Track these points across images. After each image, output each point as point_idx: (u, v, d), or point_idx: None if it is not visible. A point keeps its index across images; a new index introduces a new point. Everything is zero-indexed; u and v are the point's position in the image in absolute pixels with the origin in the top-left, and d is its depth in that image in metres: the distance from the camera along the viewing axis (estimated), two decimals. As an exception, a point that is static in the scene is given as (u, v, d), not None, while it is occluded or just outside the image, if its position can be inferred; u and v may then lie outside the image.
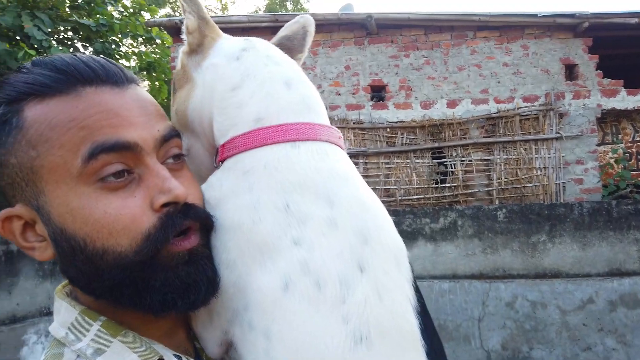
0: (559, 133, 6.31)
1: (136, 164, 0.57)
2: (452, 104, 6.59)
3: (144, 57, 8.61)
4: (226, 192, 0.63)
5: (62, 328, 0.60)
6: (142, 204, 0.56)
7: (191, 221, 0.59)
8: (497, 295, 4.57)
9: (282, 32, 0.81)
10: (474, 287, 4.63)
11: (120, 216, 0.55)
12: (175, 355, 0.61)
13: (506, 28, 6.54)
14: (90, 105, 0.55)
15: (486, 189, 6.43)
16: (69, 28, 7.08)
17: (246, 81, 0.68)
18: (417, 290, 0.62)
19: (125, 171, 0.56)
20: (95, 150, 0.54)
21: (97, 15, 6.94)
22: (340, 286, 0.57)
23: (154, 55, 9.04)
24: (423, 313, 0.61)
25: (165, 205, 0.57)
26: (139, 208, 0.56)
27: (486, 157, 6.46)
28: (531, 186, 6.33)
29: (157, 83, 9.03)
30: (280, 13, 9.01)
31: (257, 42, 0.73)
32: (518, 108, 6.41)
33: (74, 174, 0.54)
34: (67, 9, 7.01)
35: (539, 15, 6.28)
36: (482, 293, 4.59)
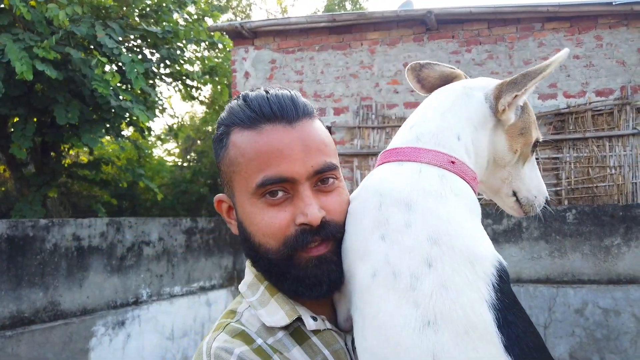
0: (636, 129, 5.87)
1: (292, 188, 0.79)
2: (516, 100, 6.31)
3: (206, 61, 8.88)
4: (359, 191, 0.86)
5: (244, 285, 0.88)
6: (289, 217, 0.78)
7: (320, 237, 0.79)
8: (565, 301, 4.35)
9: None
10: (540, 291, 4.43)
11: (272, 224, 0.78)
12: (312, 317, 0.82)
13: (577, 18, 6.17)
14: (266, 143, 0.78)
15: (554, 189, 6.11)
16: (138, 36, 7.45)
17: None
18: (503, 292, 0.71)
19: (284, 192, 0.79)
20: (265, 182, 0.77)
21: (164, 23, 7.24)
22: (410, 277, 0.71)
23: (216, 59, 9.30)
24: (506, 311, 0.69)
25: (303, 223, 0.77)
26: (286, 220, 0.78)
27: (554, 156, 6.13)
28: (604, 186, 5.94)
29: (219, 87, 9.29)
30: (338, 13, 9.03)
31: (427, 99, 0.99)
32: (590, 103, 6.04)
33: (250, 191, 0.79)
34: (136, 18, 7.37)
35: (614, 3, 5.88)
36: (549, 298, 4.39)
